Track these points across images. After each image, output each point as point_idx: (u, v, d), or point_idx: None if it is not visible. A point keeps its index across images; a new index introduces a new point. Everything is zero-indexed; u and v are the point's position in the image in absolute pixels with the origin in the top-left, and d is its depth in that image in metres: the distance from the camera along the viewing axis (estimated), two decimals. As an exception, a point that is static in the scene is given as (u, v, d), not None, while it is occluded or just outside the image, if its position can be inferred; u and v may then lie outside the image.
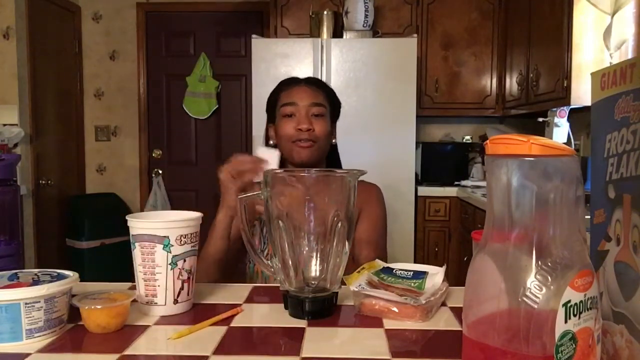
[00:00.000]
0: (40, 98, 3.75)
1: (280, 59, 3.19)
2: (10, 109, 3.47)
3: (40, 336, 0.75)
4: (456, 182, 3.63)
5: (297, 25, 3.67)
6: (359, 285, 0.88)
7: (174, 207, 4.21)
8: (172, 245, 0.84)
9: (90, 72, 4.32)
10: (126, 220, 0.86)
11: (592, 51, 2.56)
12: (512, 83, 3.51)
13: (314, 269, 0.86)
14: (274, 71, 3.13)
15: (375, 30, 3.47)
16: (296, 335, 0.77)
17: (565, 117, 2.80)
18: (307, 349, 0.72)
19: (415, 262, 3.13)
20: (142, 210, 4.24)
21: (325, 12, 3.37)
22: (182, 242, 0.85)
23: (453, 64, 3.73)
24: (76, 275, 0.81)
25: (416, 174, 3.53)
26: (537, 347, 0.50)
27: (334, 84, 3.18)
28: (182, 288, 0.86)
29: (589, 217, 0.64)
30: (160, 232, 0.84)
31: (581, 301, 0.51)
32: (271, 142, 1.45)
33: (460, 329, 0.73)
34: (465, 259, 3.26)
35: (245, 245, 0.92)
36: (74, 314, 0.79)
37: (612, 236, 0.61)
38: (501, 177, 0.53)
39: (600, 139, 0.63)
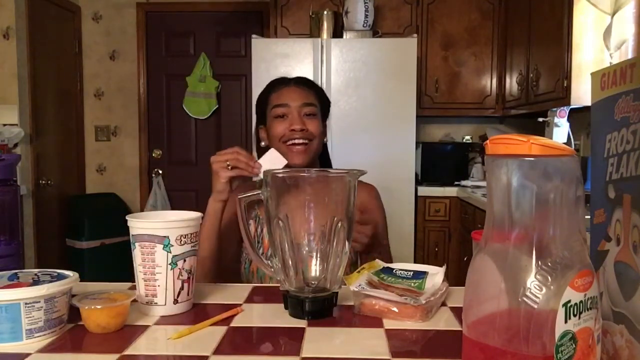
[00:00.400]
0: (40, 98, 3.75)
1: (280, 59, 3.19)
2: (10, 109, 3.47)
3: (40, 336, 0.75)
4: (456, 182, 3.63)
5: (297, 25, 3.68)
6: (359, 285, 0.88)
7: (174, 207, 4.20)
8: (172, 245, 0.84)
9: (90, 72, 4.32)
10: (126, 220, 0.86)
11: (592, 51, 2.56)
12: (512, 83, 3.51)
13: (314, 269, 0.86)
14: (274, 71, 3.13)
15: (375, 30, 3.47)
16: (296, 335, 0.77)
17: (565, 117, 2.80)
18: (307, 349, 0.72)
19: (415, 262, 3.13)
20: (142, 210, 4.24)
21: (325, 12, 3.37)
22: (182, 242, 0.85)
23: (453, 64, 3.73)
24: (76, 275, 0.81)
25: (416, 174, 3.53)
26: (537, 347, 0.50)
27: (334, 84, 3.18)
28: (182, 288, 0.86)
29: (589, 217, 0.64)
30: (160, 232, 0.84)
31: (581, 301, 0.51)
32: (262, 143, 1.44)
33: (460, 329, 0.73)
34: (465, 259, 3.26)
35: (244, 244, 0.92)
36: (74, 314, 0.79)
37: (612, 236, 0.61)
38: (501, 177, 0.53)
39: (600, 139, 0.63)
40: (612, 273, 0.60)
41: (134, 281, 0.89)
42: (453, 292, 0.97)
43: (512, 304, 0.51)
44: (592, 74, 0.66)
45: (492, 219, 0.55)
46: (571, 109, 2.77)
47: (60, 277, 0.79)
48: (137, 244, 0.85)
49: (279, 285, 0.91)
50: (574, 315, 0.50)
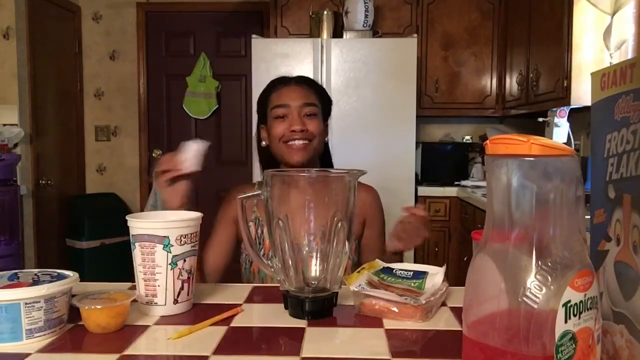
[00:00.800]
0: (40, 98, 3.75)
1: (280, 59, 3.19)
2: (10, 109, 3.47)
3: (40, 336, 0.75)
4: (456, 182, 3.63)
5: (297, 25, 3.68)
6: (359, 285, 0.88)
7: (174, 207, 4.20)
8: (172, 245, 0.84)
9: (90, 72, 4.32)
10: (126, 220, 0.86)
11: (592, 51, 2.56)
12: (512, 83, 3.51)
13: (314, 269, 0.86)
14: (274, 71, 3.13)
15: (375, 30, 3.47)
16: (296, 335, 0.77)
17: (565, 117, 2.80)
18: (307, 349, 0.72)
19: (415, 262, 3.13)
20: (142, 210, 4.23)
21: (325, 12, 3.37)
22: (182, 242, 0.85)
23: (453, 64, 3.73)
24: (76, 275, 0.81)
25: (416, 174, 3.53)
26: (537, 347, 0.49)
27: (334, 84, 3.18)
28: (182, 288, 0.86)
29: (589, 217, 0.64)
30: (160, 232, 0.84)
31: (581, 301, 0.51)
32: (264, 143, 1.43)
33: (460, 329, 0.73)
34: (465, 259, 3.26)
35: (243, 245, 0.92)
36: (74, 314, 0.79)
37: (612, 236, 0.61)
38: (501, 177, 0.53)
39: (600, 139, 0.63)
40: (612, 273, 0.60)
41: (134, 281, 0.89)
42: (453, 292, 0.97)
43: (512, 304, 0.51)
44: (592, 74, 0.66)
45: (492, 219, 0.55)
46: (571, 109, 2.77)
47: (60, 277, 0.79)
48: (137, 244, 0.85)
49: (279, 285, 0.91)
50: (574, 315, 0.50)
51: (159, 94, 4.34)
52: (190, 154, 1.20)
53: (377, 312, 0.85)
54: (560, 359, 0.49)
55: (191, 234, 0.86)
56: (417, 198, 3.45)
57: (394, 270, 0.94)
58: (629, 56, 2.49)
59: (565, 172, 0.52)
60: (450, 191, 3.50)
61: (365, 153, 3.13)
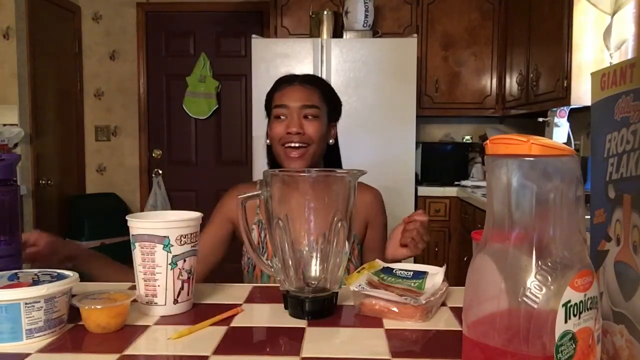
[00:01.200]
0: (40, 98, 3.75)
1: (280, 59, 3.19)
2: (10, 109, 3.47)
3: (40, 336, 0.75)
4: (456, 182, 3.63)
5: (297, 25, 3.68)
6: (359, 285, 0.88)
7: (174, 207, 4.21)
8: (172, 245, 0.84)
9: (90, 72, 4.32)
10: (126, 220, 0.86)
11: (592, 51, 2.56)
12: (512, 83, 3.51)
13: (314, 269, 0.86)
14: (274, 71, 3.13)
15: (375, 30, 3.47)
16: (296, 335, 0.77)
17: (565, 117, 2.80)
18: (307, 349, 0.72)
19: (415, 262, 3.13)
20: (142, 210, 4.24)
21: (325, 12, 3.37)
22: (182, 242, 0.85)
23: (453, 64, 3.73)
24: (76, 275, 0.81)
25: (416, 174, 3.53)
26: (537, 347, 0.49)
27: (334, 84, 3.18)
28: (182, 288, 0.86)
29: (589, 217, 0.64)
30: (160, 232, 0.83)
31: (581, 301, 0.51)
32: (268, 141, 1.42)
33: (460, 329, 0.73)
34: (465, 259, 3.26)
35: (244, 248, 0.92)
36: (74, 314, 0.79)
37: (612, 236, 0.61)
38: (501, 177, 0.53)
39: (600, 139, 0.63)
40: (612, 273, 0.60)
41: (134, 281, 0.89)
42: (453, 292, 0.97)
43: (512, 304, 0.51)
44: (592, 74, 0.66)
45: (492, 219, 0.55)
46: (571, 109, 2.77)
47: (60, 277, 0.79)
48: (137, 244, 0.85)
49: (279, 285, 0.91)
50: (574, 315, 0.50)
51: (159, 94, 4.34)
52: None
53: (377, 312, 0.85)
54: (560, 359, 0.49)
55: (191, 234, 0.86)
56: (417, 198, 3.45)
57: (394, 270, 0.94)
58: (629, 56, 2.49)
59: (565, 172, 0.52)
60: (450, 191, 3.50)
61: (365, 153, 3.13)
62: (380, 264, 0.99)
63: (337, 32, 3.35)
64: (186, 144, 4.36)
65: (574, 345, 0.50)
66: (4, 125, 3.39)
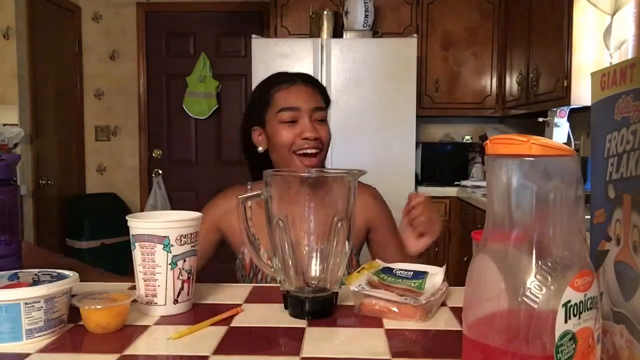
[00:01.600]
0: (40, 98, 3.75)
1: (280, 59, 3.19)
2: (10, 109, 3.47)
3: (40, 336, 0.75)
4: (456, 182, 3.63)
5: (297, 25, 3.68)
6: (359, 285, 0.88)
7: (174, 207, 4.21)
8: (172, 245, 0.84)
9: (90, 72, 4.32)
10: (126, 220, 0.86)
11: (592, 51, 2.56)
12: (512, 83, 3.51)
13: (314, 269, 0.86)
14: (273, 71, 3.13)
15: (375, 30, 3.47)
16: (296, 335, 0.77)
17: (565, 117, 2.80)
18: (307, 349, 0.72)
19: (415, 262, 3.13)
20: (142, 210, 4.24)
21: (325, 12, 3.37)
22: (182, 242, 0.85)
23: (453, 64, 3.73)
24: (76, 275, 0.81)
25: (416, 174, 3.53)
26: (537, 347, 0.49)
27: (334, 84, 3.18)
28: (182, 288, 0.86)
29: (589, 217, 0.64)
30: (160, 232, 0.83)
31: (581, 301, 0.51)
32: (260, 148, 1.30)
33: (460, 329, 0.73)
34: (465, 259, 3.26)
35: (246, 246, 0.92)
36: (74, 314, 0.79)
37: (612, 236, 0.61)
38: (501, 177, 0.53)
39: (600, 139, 0.63)
40: (612, 273, 0.60)
41: (134, 281, 0.89)
42: (453, 292, 0.97)
43: (512, 304, 0.51)
44: (592, 74, 0.66)
45: (492, 219, 0.55)
46: (571, 109, 2.77)
47: (60, 277, 0.79)
48: (137, 244, 0.85)
49: (279, 285, 0.91)
50: (574, 315, 0.50)
51: (159, 94, 4.34)
52: None
53: (377, 312, 0.85)
54: (560, 359, 0.49)
55: (191, 234, 0.86)
56: (417, 198, 3.44)
57: (394, 270, 0.94)
58: (629, 56, 2.49)
59: (565, 172, 0.52)
60: (450, 191, 3.50)
61: (365, 153, 3.13)
62: (380, 263, 0.99)
63: (337, 32, 3.35)
64: (186, 144, 4.36)
65: (574, 346, 0.50)
66: (4, 125, 3.39)
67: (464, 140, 4.00)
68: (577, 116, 2.96)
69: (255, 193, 0.89)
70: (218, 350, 0.72)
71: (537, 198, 0.51)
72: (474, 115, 3.93)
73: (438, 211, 1.19)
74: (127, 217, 0.87)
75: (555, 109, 2.80)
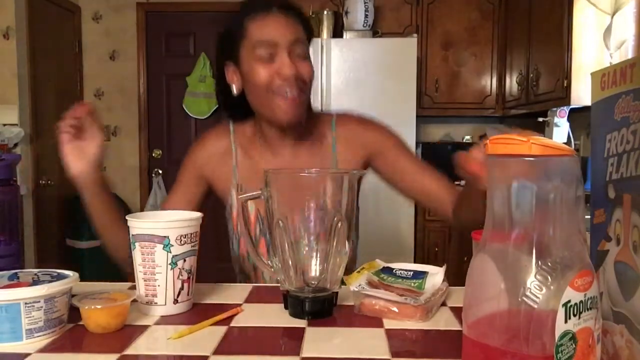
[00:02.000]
0: (40, 98, 3.75)
1: (280, 59, 3.18)
2: (10, 109, 3.47)
3: (40, 336, 0.75)
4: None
5: (297, 25, 3.67)
6: (359, 285, 0.88)
7: (174, 207, 4.20)
8: (172, 245, 0.84)
9: (90, 72, 4.32)
10: (126, 220, 0.86)
11: (592, 51, 2.56)
12: (512, 83, 3.51)
13: (314, 269, 0.86)
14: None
15: (375, 30, 3.47)
16: (296, 335, 0.77)
17: (565, 117, 2.80)
18: (307, 349, 0.72)
19: (415, 262, 3.13)
20: (142, 210, 4.24)
21: (325, 12, 3.37)
22: (182, 242, 0.85)
23: (453, 64, 3.74)
24: (76, 275, 0.81)
25: (416, 174, 3.53)
26: (537, 347, 0.49)
27: (334, 83, 3.18)
28: (182, 288, 0.86)
29: (589, 217, 0.64)
30: (160, 232, 0.84)
31: (581, 301, 0.51)
32: (234, 88, 1.13)
33: (460, 329, 0.73)
34: (465, 259, 3.25)
35: (247, 245, 0.92)
36: (74, 314, 0.79)
37: (612, 236, 0.61)
38: (501, 177, 0.54)
39: (600, 139, 0.63)
40: (612, 273, 0.60)
41: (134, 281, 0.89)
42: (453, 292, 0.97)
43: (512, 304, 0.51)
44: (592, 74, 0.66)
45: (492, 219, 0.55)
46: (571, 109, 2.77)
47: (60, 277, 0.79)
48: (137, 244, 0.85)
49: (278, 285, 0.91)
50: (574, 315, 0.50)
51: (159, 94, 4.34)
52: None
53: (377, 312, 0.85)
54: (560, 359, 0.50)
55: (191, 234, 0.86)
56: (417, 198, 3.45)
57: (394, 270, 0.94)
58: (629, 56, 2.49)
59: (565, 172, 0.52)
60: (450, 191, 3.49)
61: (365, 153, 3.13)
62: (380, 263, 0.99)
63: (337, 32, 3.35)
64: (186, 144, 4.31)
65: (574, 345, 0.50)
66: (4, 125, 3.39)
67: (464, 140, 4.00)
68: (577, 116, 2.96)
69: (255, 193, 0.89)
70: (218, 350, 0.72)
71: (537, 198, 0.51)
72: (474, 115, 3.93)
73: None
74: (127, 217, 0.87)
75: (555, 109, 2.80)
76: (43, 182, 3.77)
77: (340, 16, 3.40)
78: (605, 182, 0.62)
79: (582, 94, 2.56)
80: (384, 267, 0.96)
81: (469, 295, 0.56)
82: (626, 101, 0.59)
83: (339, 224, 0.84)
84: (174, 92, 4.30)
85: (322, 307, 0.85)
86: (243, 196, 0.91)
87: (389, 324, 0.82)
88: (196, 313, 0.87)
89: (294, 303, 0.85)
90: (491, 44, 3.71)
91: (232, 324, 0.82)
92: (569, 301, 0.50)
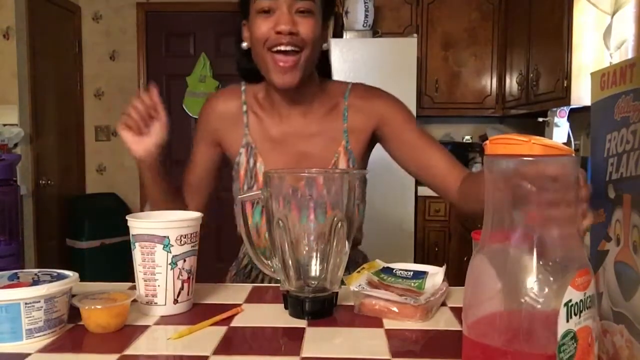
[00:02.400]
0: (40, 98, 3.75)
1: (280, 59, 3.18)
2: (10, 109, 3.47)
3: (40, 336, 0.75)
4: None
5: (297, 25, 3.67)
6: (359, 285, 0.88)
7: (174, 207, 4.20)
8: (172, 245, 0.84)
9: (90, 72, 4.32)
10: (126, 220, 0.86)
11: (592, 51, 2.56)
12: (512, 83, 3.51)
13: (314, 269, 0.86)
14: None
15: (375, 30, 3.47)
16: (296, 335, 0.77)
17: (565, 117, 2.80)
18: (307, 349, 0.72)
19: (415, 262, 3.13)
20: (142, 210, 4.23)
21: (325, 12, 3.37)
22: (182, 242, 0.85)
23: (453, 64, 3.74)
24: (76, 275, 0.81)
25: (416, 174, 3.53)
26: (539, 346, 0.50)
27: (334, 84, 3.18)
28: (182, 288, 0.86)
29: (588, 217, 0.64)
30: (160, 232, 0.84)
31: (581, 300, 0.51)
32: (244, 44, 1.13)
33: (460, 329, 0.72)
34: (465, 259, 3.25)
35: (245, 245, 0.92)
36: (74, 314, 0.79)
37: (612, 236, 0.61)
38: (500, 177, 0.54)
39: (600, 139, 0.63)
40: (612, 273, 0.60)
41: (134, 281, 0.89)
42: (453, 292, 0.97)
43: (512, 304, 0.51)
44: (592, 74, 0.66)
45: (491, 219, 0.55)
46: (571, 109, 2.77)
47: (60, 277, 0.79)
48: (137, 244, 0.85)
49: (279, 285, 0.91)
50: (575, 315, 0.50)
51: (159, 94, 4.34)
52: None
53: (377, 312, 0.85)
54: (563, 358, 0.50)
55: (191, 234, 0.86)
56: (417, 198, 3.45)
57: (394, 270, 0.94)
58: (629, 56, 2.49)
59: (565, 173, 0.52)
60: (450, 191, 3.49)
61: (365, 153, 3.13)
62: (380, 263, 0.99)
63: (337, 32, 3.35)
64: (186, 144, 4.33)
65: (575, 344, 0.50)
66: (4, 125, 3.39)
67: (464, 140, 4.00)
68: (577, 116, 2.96)
69: (254, 193, 0.89)
70: (218, 350, 0.72)
71: (537, 198, 0.51)
72: (474, 115, 3.93)
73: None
74: (127, 217, 0.87)
75: (555, 109, 2.80)
76: (43, 182, 3.77)
77: (340, 16, 3.40)
78: (605, 182, 0.62)
79: (582, 94, 2.56)
80: (384, 267, 0.96)
81: (469, 296, 0.56)
82: (626, 101, 0.59)
83: (339, 224, 0.84)
84: (174, 92, 4.31)
85: (322, 307, 0.85)
86: (243, 196, 0.91)
87: (389, 324, 0.82)
88: (196, 313, 0.87)
89: (294, 303, 0.85)
90: (491, 44, 3.71)
91: (232, 324, 0.82)
92: (570, 300, 0.50)
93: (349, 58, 3.20)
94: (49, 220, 3.84)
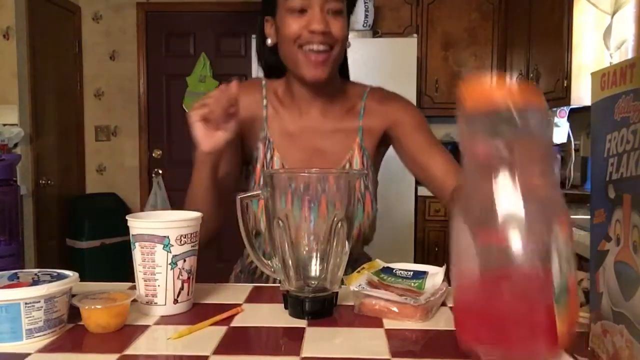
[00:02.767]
0: (40, 98, 3.75)
1: (280, 59, 3.19)
2: (10, 109, 3.47)
3: (40, 336, 0.75)
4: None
5: (297, 25, 3.67)
6: (359, 285, 0.88)
7: (174, 207, 4.20)
8: (172, 245, 0.84)
9: (90, 72, 4.32)
10: (126, 220, 0.86)
11: (592, 51, 2.56)
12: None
13: (314, 269, 0.86)
14: (274, 71, 3.13)
15: (375, 30, 3.47)
16: (296, 335, 0.77)
17: (565, 117, 2.80)
18: (307, 349, 0.72)
19: (415, 262, 3.13)
20: (142, 210, 4.24)
21: (325, 12, 3.37)
22: (182, 242, 0.85)
23: (453, 64, 3.74)
24: (76, 275, 0.81)
25: (416, 174, 3.53)
26: (539, 303, 0.52)
27: (334, 84, 3.18)
28: (182, 288, 0.86)
29: (589, 217, 0.64)
30: (160, 232, 0.83)
31: (568, 248, 0.53)
32: (269, 41, 1.16)
33: (460, 329, 0.72)
34: (465, 259, 3.26)
35: (245, 243, 0.92)
36: (74, 314, 0.79)
37: (612, 236, 0.61)
38: (474, 133, 0.56)
39: (600, 139, 0.63)
40: (612, 273, 0.60)
41: (134, 281, 0.89)
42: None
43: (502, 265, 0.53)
44: (592, 74, 0.66)
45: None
46: (571, 109, 2.77)
47: (60, 277, 0.79)
48: (137, 244, 0.85)
49: (279, 285, 0.91)
50: (566, 263, 0.53)
51: (159, 94, 4.34)
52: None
53: (377, 312, 0.85)
54: (559, 307, 0.51)
55: (191, 234, 0.86)
56: (417, 198, 3.45)
57: (394, 270, 0.94)
58: (629, 56, 2.49)
59: (535, 121, 0.55)
60: (450, 191, 3.50)
61: (365, 153, 3.13)
62: (380, 263, 0.99)
63: (337, 32, 3.35)
64: (186, 144, 4.31)
65: (567, 293, 0.53)
66: (4, 125, 3.39)
67: (464, 140, 4.00)
68: (577, 116, 2.96)
69: (255, 193, 0.89)
70: (218, 350, 0.72)
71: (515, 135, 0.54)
72: (474, 115, 3.93)
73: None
74: (127, 217, 0.87)
75: (555, 109, 2.80)
76: (43, 182, 3.77)
77: (340, 16, 3.41)
78: (605, 182, 0.62)
79: (582, 94, 2.56)
80: (384, 267, 0.96)
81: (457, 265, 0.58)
82: (626, 101, 0.59)
83: (339, 224, 0.84)
84: (174, 92, 4.30)
85: (322, 307, 0.85)
86: (243, 196, 0.91)
87: (389, 324, 0.82)
88: (196, 313, 0.87)
89: (294, 303, 0.85)
90: (491, 44, 3.72)
91: (232, 324, 0.82)
92: (560, 251, 0.52)
93: (349, 58, 3.19)
94: (49, 220, 3.84)
